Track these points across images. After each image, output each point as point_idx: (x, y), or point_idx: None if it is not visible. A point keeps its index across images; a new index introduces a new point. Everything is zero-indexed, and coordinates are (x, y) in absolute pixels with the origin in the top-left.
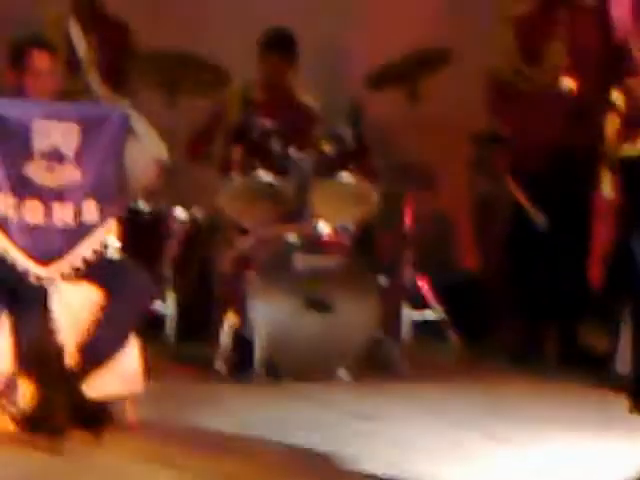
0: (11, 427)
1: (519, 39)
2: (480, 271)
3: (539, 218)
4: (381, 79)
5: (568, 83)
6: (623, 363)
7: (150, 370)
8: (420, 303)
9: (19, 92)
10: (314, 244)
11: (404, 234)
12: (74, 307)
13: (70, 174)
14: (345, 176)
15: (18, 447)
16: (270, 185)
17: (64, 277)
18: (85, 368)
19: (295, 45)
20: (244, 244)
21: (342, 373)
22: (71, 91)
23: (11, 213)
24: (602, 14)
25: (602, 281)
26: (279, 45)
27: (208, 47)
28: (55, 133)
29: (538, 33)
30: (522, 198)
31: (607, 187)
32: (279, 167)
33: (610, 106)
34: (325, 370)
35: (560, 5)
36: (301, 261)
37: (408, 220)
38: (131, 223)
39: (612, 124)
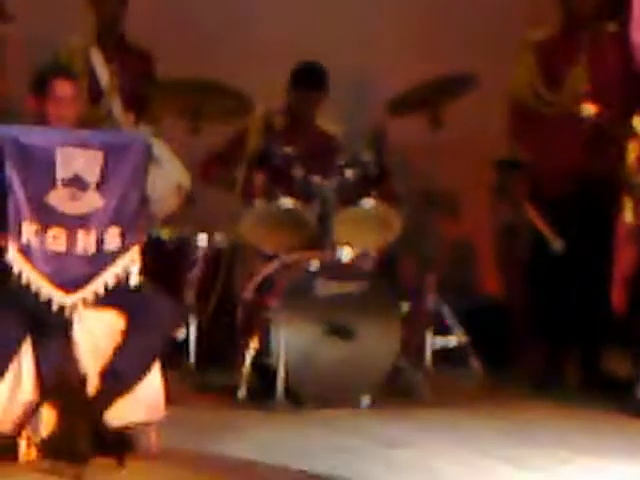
0: (34, 455)
1: (540, 64)
2: (502, 297)
3: (557, 243)
4: (403, 105)
5: (589, 109)
6: None
7: (172, 397)
8: (442, 329)
9: (41, 119)
10: (336, 270)
11: (426, 260)
12: (96, 334)
13: (93, 201)
14: (367, 202)
15: (41, 475)
16: (292, 211)
17: (87, 304)
18: (107, 395)
19: (327, 81)
20: (266, 270)
21: (364, 400)
22: (93, 118)
23: (34, 241)
24: (623, 40)
25: (624, 306)
26: (311, 81)
27: (231, 74)
28: (78, 161)
29: (559, 59)
30: (540, 223)
31: (629, 213)
32: (301, 194)
33: (632, 133)
34: (347, 397)
35: (582, 30)
36: (323, 287)
37: (430, 246)
38: (154, 250)
39: (633, 150)
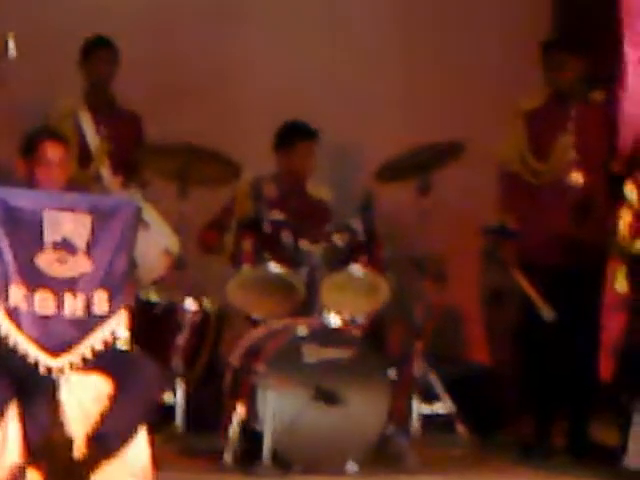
0: None
1: (529, 134)
2: (490, 364)
3: (547, 311)
4: (392, 171)
5: (577, 177)
6: (634, 458)
7: (159, 461)
8: (430, 396)
9: (30, 182)
10: (324, 336)
11: (414, 326)
12: (83, 398)
13: (81, 265)
14: (355, 268)
15: None
16: (281, 277)
17: (74, 367)
18: (94, 459)
19: (315, 130)
20: (254, 335)
21: (351, 466)
22: (82, 181)
23: (22, 303)
24: (611, 110)
25: (612, 374)
26: (300, 131)
27: (219, 139)
28: (66, 224)
29: (547, 128)
30: (530, 290)
31: (620, 281)
32: (290, 259)
33: (623, 200)
34: (334, 463)
35: (568, 100)
36: (311, 353)
37: (418, 312)
38: (141, 314)
39: (625, 218)
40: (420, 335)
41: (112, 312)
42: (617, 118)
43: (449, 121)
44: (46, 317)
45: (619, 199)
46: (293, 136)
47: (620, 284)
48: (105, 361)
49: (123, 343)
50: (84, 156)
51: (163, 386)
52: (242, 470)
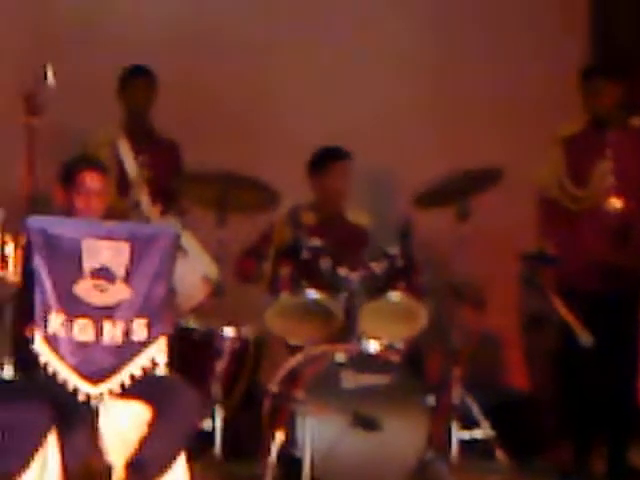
0: None
1: (568, 160)
2: (529, 389)
3: (585, 336)
4: (430, 198)
5: (615, 203)
6: None
7: None
8: (469, 422)
9: (69, 211)
10: (363, 362)
11: (453, 352)
12: (122, 425)
13: (120, 293)
14: (394, 295)
15: None
16: (319, 303)
17: (113, 395)
18: None
19: (348, 151)
20: (292, 362)
21: None
22: (121, 210)
23: (61, 331)
24: None
25: None
26: (334, 153)
27: (258, 168)
28: (105, 252)
29: (586, 154)
30: (569, 316)
31: None
32: (328, 286)
33: None
34: None
35: (606, 126)
36: (349, 379)
37: (457, 338)
38: (180, 341)
39: None
40: (458, 361)
41: (151, 339)
42: None
43: (486, 147)
44: (85, 345)
45: None
46: (325, 159)
47: None
48: (144, 388)
49: (162, 370)
50: (123, 184)
51: (202, 413)
52: None
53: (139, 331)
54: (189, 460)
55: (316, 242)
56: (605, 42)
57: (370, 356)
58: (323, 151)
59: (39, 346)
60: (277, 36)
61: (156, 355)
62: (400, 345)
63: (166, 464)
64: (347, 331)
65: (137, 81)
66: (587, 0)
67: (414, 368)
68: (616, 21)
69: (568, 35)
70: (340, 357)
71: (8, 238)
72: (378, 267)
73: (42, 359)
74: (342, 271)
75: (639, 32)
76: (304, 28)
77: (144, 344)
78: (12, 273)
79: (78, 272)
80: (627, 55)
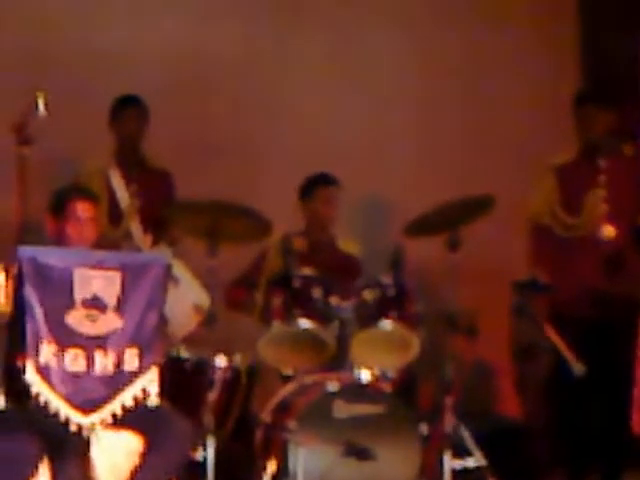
0: None
1: (560, 188)
2: (522, 418)
3: (577, 366)
4: (421, 227)
5: (608, 231)
6: None
7: None
8: (461, 451)
9: (60, 240)
10: (355, 392)
11: (445, 381)
12: (114, 455)
13: (111, 322)
14: (386, 323)
15: None
16: (311, 332)
17: (104, 425)
18: None
19: (337, 179)
20: (284, 391)
21: None
22: (112, 239)
23: (53, 361)
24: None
25: None
26: (324, 179)
27: (249, 197)
28: (96, 281)
29: (578, 182)
30: (561, 345)
31: None
32: (320, 315)
33: None
34: None
35: (599, 154)
36: (342, 409)
37: (449, 367)
38: (172, 370)
39: None
40: (451, 390)
41: (143, 369)
42: None
43: (476, 175)
44: (77, 375)
45: None
46: (312, 185)
47: None
48: (136, 418)
49: (154, 399)
50: (114, 213)
51: (194, 442)
52: None
53: (130, 361)
54: None
55: (307, 271)
56: (596, 70)
57: (362, 385)
58: (311, 178)
59: (31, 376)
60: (273, 65)
61: (148, 385)
62: (392, 374)
63: None
64: (339, 360)
65: (128, 111)
66: (578, 29)
67: (406, 397)
68: (607, 48)
69: (559, 63)
70: (332, 386)
71: None
72: (370, 296)
73: (34, 389)
74: (334, 300)
75: (630, 59)
76: (295, 66)
77: (136, 374)
78: (3, 303)
79: (69, 302)
80: (619, 82)
